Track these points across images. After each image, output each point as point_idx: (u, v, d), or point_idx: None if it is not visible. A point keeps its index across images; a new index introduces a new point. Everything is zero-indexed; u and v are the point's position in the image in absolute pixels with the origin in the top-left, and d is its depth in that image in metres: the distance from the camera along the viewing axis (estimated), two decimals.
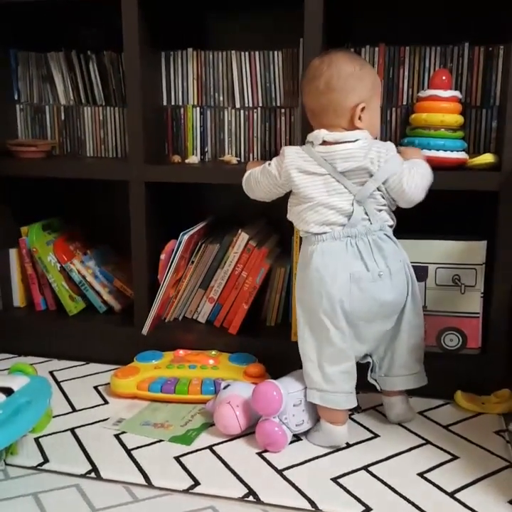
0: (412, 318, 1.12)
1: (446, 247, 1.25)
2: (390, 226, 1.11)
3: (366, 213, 1.08)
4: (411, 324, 1.12)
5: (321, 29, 1.20)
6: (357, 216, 1.07)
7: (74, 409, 1.24)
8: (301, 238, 1.16)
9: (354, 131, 1.08)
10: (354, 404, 1.10)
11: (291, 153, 1.11)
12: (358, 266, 1.06)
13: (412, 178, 1.08)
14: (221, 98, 1.43)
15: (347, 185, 1.07)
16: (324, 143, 1.08)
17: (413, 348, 1.13)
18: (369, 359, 1.15)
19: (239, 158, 1.43)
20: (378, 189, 1.08)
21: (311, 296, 1.09)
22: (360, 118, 1.08)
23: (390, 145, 1.10)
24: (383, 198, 1.09)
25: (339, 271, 1.06)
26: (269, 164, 1.15)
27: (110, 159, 1.51)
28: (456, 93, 1.23)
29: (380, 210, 1.10)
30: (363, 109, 1.08)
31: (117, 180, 1.38)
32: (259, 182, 1.16)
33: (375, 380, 1.15)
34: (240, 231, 1.39)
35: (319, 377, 1.08)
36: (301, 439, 1.13)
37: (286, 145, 1.41)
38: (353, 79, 1.07)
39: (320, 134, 1.08)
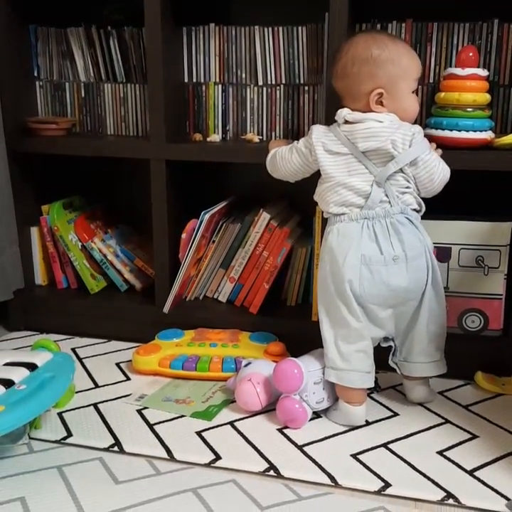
0: (432, 306, 1.10)
1: (470, 227, 1.24)
2: (416, 210, 1.09)
3: (387, 195, 1.06)
4: (431, 312, 1.10)
5: (347, 4, 1.18)
6: (375, 198, 1.06)
7: (96, 385, 1.26)
8: (324, 219, 1.16)
9: (376, 114, 1.07)
10: (370, 385, 1.09)
11: (318, 131, 1.11)
12: (371, 248, 1.05)
13: (443, 171, 1.09)
14: (243, 75, 1.41)
15: (368, 166, 1.07)
16: (347, 122, 1.08)
17: (433, 336, 1.12)
18: (391, 343, 1.14)
19: (261, 137, 1.42)
20: (402, 171, 1.07)
21: (325, 277, 1.09)
22: (381, 103, 1.07)
23: (417, 128, 1.08)
24: (407, 181, 1.08)
25: (351, 251, 1.05)
26: (298, 143, 1.14)
27: (131, 137, 1.51)
28: (485, 71, 1.20)
29: (404, 193, 1.08)
30: (381, 95, 1.06)
31: (138, 159, 1.38)
32: (289, 161, 1.15)
33: (396, 364, 1.15)
34: (261, 210, 1.38)
35: (335, 356, 1.09)
36: (321, 417, 1.13)
37: (309, 124, 1.40)
38: (368, 65, 1.06)
39: (342, 112, 1.08)
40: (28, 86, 1.52)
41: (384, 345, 1.14)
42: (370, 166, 1.07)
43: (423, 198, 1.11)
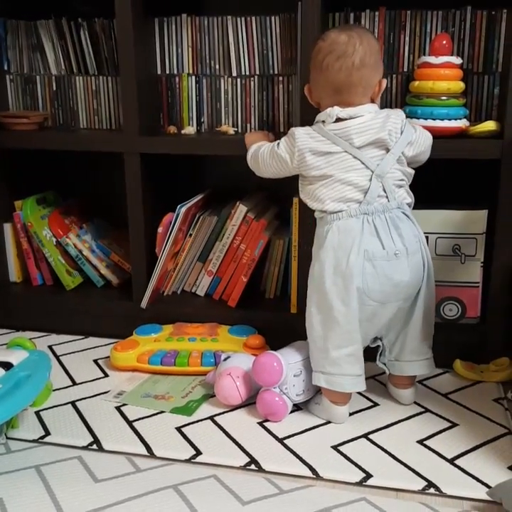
0: (427, 303, 1.09)
1: (446, 216, 1.24)
2: (408, 204, 1.09)
3: (384, 190, 1.05)
4: (425, 308, 1.09)
5: None
6: (373, 192, 1.04)
7: (74, 383, 1.24)
8: (314, 219, 1.12)
9: (365, 105, 1.06)
10: (362, 388, 1.08)
11: (302, 135, 1.07)
12: (374, 243, 1.03)
13: (428, 138, 1.12)
14: (217, 66, 1.39)
15: (364, 161, 1.05)
16: (337, 120, 1.06)
17: (426, 334, 1.11)
18: (379, 343, 1.13)
19: (236, 129, 1.41)
20: (397, 162, 1.07)
21: (322, 276, 1.05)
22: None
23: (401, 113, 1.09)
24: (403, 173, 1.08)
25: (354, 248, 1.02)
26: (278, 146, 1.11)
27: (104, 131, 1.48)
28: (459, 59, 1.20)
29: (399, 187, 1.08)
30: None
31: (112, 152, 1.35)
32: (269, 164, 1.13)
33: (384, 364, 1.13)
34: (238, 203, 1.37)
35: (324, 360, 1.07)
36: (301, 409, 1.13)
37: (284, 114, 1.38)
38: (378, 55, 1.07)
39: (333, 111, 1.05)
40: None
41: (372, 345, 1.12)
42: (367, 160, 1.05)
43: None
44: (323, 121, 1.07)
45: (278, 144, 1.12)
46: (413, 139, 1.08)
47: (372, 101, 1.08)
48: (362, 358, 1.07)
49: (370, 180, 1.05)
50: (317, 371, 1.08)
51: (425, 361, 1.12)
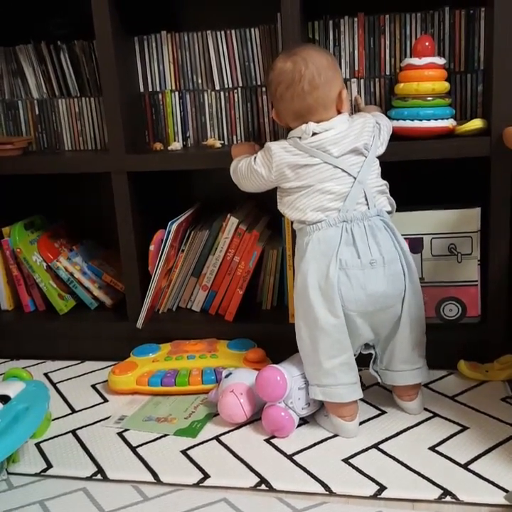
0: (413, 312, 1.07)
1: (439, 216, 1.24)
2: (388, 212, 1.08)
3: (365, 197, 1.05)
4: (412, 317, 1.07)
5: (298, 3, 1.16)
6: (353, 199, 1.04)
7: (73, 411, 1.21)
8: (294, 231, 1.11)
9: (335, 118, 1.07)
10: (359, 396, 1.06)
11: (278, 151, 1.07)
12: (348, 252, 1.02)
13: (390, 130, 1.16)
14: (199, 80, 1.39)
15: (345, 168, 1.05)
16: (313, 134, 1.06)
17: (415, 343, 1.08)
18: (372, 350, 1.11)
19: (222, 141, 1.40)
20: (374, 166, 1.07)
21: (305, 288, 1.04)
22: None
23: (372, 119, 1.11)
24: (382, 179, 1.08)
25: (333, 258, 1.02)
26: (255, 161, 1.11)
27: (89, 151, 1.47)
28: (443, 60, 1.20)
29: (381, 194, 1.07)
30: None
31: (98, 173, 1.34)
32: (248, 179, 1.13)
33: (377, 372, 1.12)
34: (228, 216, 1.36)
35: (318, 373, 1.05)
36: (308, 422, 1.11)
37: (269, 124, 1.38)
38: (330, 70, 1.06)
39: (309, 127, 1.05)
40: None
41: (365, 352, 1.11)
42: (347, 168, 1.05)
43: (394, 184, 1.11)
44: (299, 137, 1.07)
45: (255, 158, 1.12)
46: (382, 140, 1.11)
47: (340, 112, 1.08)
48: (355, 366, 1.06)
49: (352, 186, 1.04)
50: (313, 384, 1.07)
51: (416, 371, 1.10)
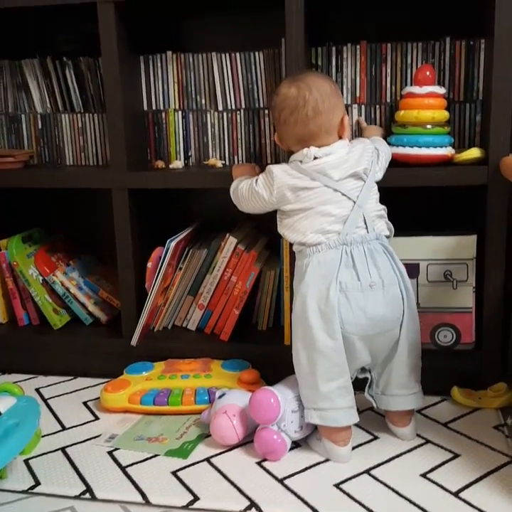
0: (411, 336, 1.07)
1: (436, 242, 1.24)
2: (387, 236, 1.09)
3: (364, 221, 1.06)
4: (409, 342, 1.07)
5: (303, 29, 1.19)
6: (352, 222, 1.05)
7: (63, 428, 1.20)
8: (292, 253, 1.12)
9: (336, 143, 1.09)
10: (355, 420, 1.05)
11: (280, 173, 1.09)
12: (348, 274, 1.03)
13: (389, 157, 1.19)
14: (203, 101, 1.40)
15: (345, 192, 1.06)
16: (314, 158, 1.07)
17: (412, 368, 1.08)
18: (367, 374, 1.11)
19: (224, 161, 1.41)
20: (374, 190, 1.09)
21: (305, 311, 1.04)
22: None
23: (371, 144, 1.13)
24: (379, 203, 1.09)
25: (333, 280, 1.02)
26: (256, 183, 1.12)
27: (91, 167, 1.47)
28: (443, 89, 1.23)
29: (380, 218, 1.09)
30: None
31: (99, 188, 1.34)
32: (248, 200, 1.14)
33: (372, 397, 1.11)
34: (227, 235, 1.36)
35: (315, 396, 1.05)
36: (301, 445, 1.11)
37: (271, 146, 1.39)
38: (333, 97, 1.08)
39: (310, 151, 1.07)
40: None
41: (360, 376, 1.11)
42: (347, 192, 1.06)
43: (391, 209, 1.12)
44: (300, 161, 1.08)
45: (256, 180, 1.13)
46: (380, 166, 1.14)
47: (341, 137, 1.10)
48: (352, 390, 1.06)
49: (352, 210, 1.05)
50: (309, 408, 1.06)
51: (412, 396, 1.10)
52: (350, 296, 1.02)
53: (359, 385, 1.11)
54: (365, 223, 1.06)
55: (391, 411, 1.11)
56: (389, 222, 1.11)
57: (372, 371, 1.11)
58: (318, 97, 1.06)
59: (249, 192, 1.13)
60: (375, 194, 1.10)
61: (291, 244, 1.12)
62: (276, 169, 1.09)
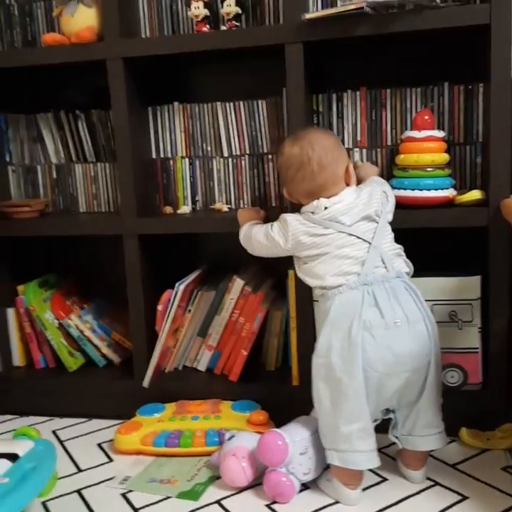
0: (437, 374, 1.07)
1: (441, 283, 1.26)
2: (407, 273, 1.10)
3: (382, 260, 1.07)
4: (437, 380, 1.07)
5: (303, 78, 1.23)
6: (370, 263, 1.06)
7: (79, 470, 1.23)
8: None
9: (344, 191, 1.12)
10: (376, 464, 1.05)
11: (293, 222, 1.12)
12: (372, 313, 1.03)
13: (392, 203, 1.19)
14: (209, 148, 1.45)
15: (359, 235, 1.08)
16: (324, 208, 1.11)
17: (437, 406, 1.09)
18: (391, 415, 1.10)
19: (230, 206, 1.45)
20: (388, 230, 1.12)
21: (329, 351, 1.05)
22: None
23: (376, 186, 1.15)
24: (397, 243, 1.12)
25: (356, 319, 1.02)
26: (272, 229, 1.15)
27: (103, 214, 1.53)
28: (442, 133, 1.25)
29: (398, 256, 1.10)
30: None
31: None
32: (263, 245, 1.17)
33: (397, 438, 1.11)
34: (234, 277, 1.39)
35: (335, 437, 1.05)
36: (309, 488, 1.12)
37: (275, 189, 1.43)
38: (335, 149, 1.12)
39: (320, 203, 1.10)
40: (0, 171, 1.54)
41: (385, 417, 1.10)
42: (361, 234, 1.08)
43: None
44: (312, 212, 1.12)
45: (271, 226, 1.16)
46: (391, 208, 1.17)
47: (348, 185, 1.13)
48: (373, 433, 1.05)
49: (368, 251, 1.07)
50: (330, 449, 1.06)
51: (439, 435, 1.10)
52: (375, 334, 1.02)
53: (380, 426, 1.10)
54: (384, 262, 1.07)
55: (409, 453, 1.11)
56: (408, 260, 1.12)
57: (396, 412, 1.10)
58: (321, 152, 1.10)
59: (265, 237, 1.16)
60: (390, 234, 1.12)
61: (312, 290, 1.13)
62: (289, 217, 1.13)
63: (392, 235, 1.13)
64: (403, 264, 1.11)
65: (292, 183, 1.14)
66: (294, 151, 1.11)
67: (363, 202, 1.11)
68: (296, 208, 1.18)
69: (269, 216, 1.26)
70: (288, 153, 1.12)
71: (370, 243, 1.08)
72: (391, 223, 1.15)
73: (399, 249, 1.12)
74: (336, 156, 1.11)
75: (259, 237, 1.18)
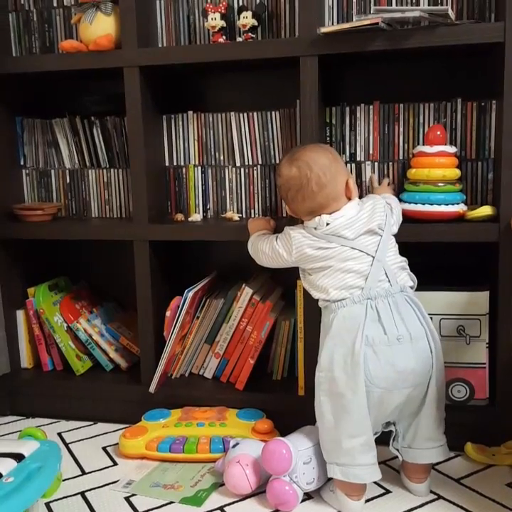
0: (438, 388, 1.07)
1: (449, 297, 1.26)
2: (411, 287, 1.11)
3: (386, 274, 1.08)
4: (438, 395, 1.07)
5: (317, 90, 1.24)
6: (374, 277, 1.07)
7: (83, 472, 1.24)
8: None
9: (346, 205, 1.12)
10: (377, 477, 1.06)
11: (296, 235, 1.13)
12: (375, 328, 1.04)
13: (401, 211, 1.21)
14: (221, 157, 1.47)
15: (362, 249, 1.09)
16: (326, 224, 1.12)
17: (439, 420, 1.09)
18: (392, 428, 1.11)
19: (241, 215, 1.46)
20: (391, 244, 1.12)
21: (331, 365, 1.05)
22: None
23: (382, 200, 1.16)
24: (401, 255, 1.12)
25: (359, 334, 1.03)
26: (276, 242, 1.17)
27: (115, 219, 1.54)
28: (454, 148, 1.26)
29: (402, 269, 1.11)
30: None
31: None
32: (269, 257, 1.19)
33: (397, 450, 1.11)
34: (243, 286, 1.40)
35: (337, 451, 1.05)
36: (312, 497, 1.12)
37: None
38: (333, 166, 1.12)
39: (322, 219, 1.11)
40: (14, 174, 1.56)
41: (385, 430, 1.11)
42: (364, 248, 1.09)
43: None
44: (315, 228, 1.12)
45: (276, 238, 1.17)
46: (395, 219, 1.17)
47: (350, 199, 1.14)
48: (374, 446, 1.06)
49: (371, 265, 1.08)
50: (331, 462, 1.06)
51: (439, 448, 1.10)
52: (377, 350, 1.03)
53: (377, 439, 1.10)
54: (387, 276, 1.08)
55: (411, 465, 1.11)
56: (411, 274, 1.13)
57: (397, 424, 1.11)
58: (319, 172, 1.10)
59: (270, 249, 1.18)
60: (394, 247, 1.13)
61: (317, 300, 1.14)
62: (293, 231, 1.14)
63: (397, 247, 1.14)
64: (407, 278, 1.11)
65: (294, 203, 1.15)
66: (292, 173, 1.12)
67: (366, 215, 1.12)
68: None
69: (280, 226, 1.27)
70: (286, 176, 1.13)
71: (373, 257, 1.08)
72: (400, 236, 1.16)
73: (403, 262, 1.13)
74: (334, 173, 1.11)
75: (264, 249, 1.19)
